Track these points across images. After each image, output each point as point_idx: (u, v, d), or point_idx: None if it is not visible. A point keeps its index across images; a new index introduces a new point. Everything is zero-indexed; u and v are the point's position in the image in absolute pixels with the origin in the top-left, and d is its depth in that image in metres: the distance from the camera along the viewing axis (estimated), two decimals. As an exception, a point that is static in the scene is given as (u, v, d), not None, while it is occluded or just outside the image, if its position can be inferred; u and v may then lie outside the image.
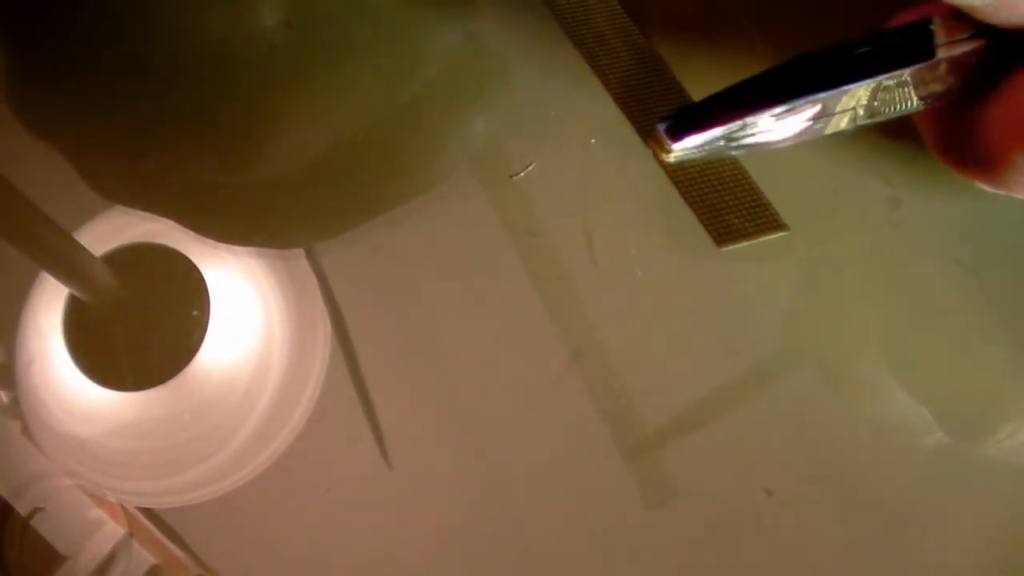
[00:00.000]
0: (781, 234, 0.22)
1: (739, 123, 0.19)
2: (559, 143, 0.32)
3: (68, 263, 0.32)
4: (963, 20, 0.19)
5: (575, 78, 0.33)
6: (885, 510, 0.29)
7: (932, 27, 0.19)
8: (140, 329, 0.30)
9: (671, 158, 0.19)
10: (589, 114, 0.32)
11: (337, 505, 0.28)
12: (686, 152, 0.19)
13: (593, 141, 0.32)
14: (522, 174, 0.31)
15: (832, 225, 0.31)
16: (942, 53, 0.19)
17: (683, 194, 0.20)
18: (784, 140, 0.20)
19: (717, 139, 0.19)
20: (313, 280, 0.31)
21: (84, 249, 0.31)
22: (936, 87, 0.20)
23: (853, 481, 0.29)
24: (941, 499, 0.29)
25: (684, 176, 0.20)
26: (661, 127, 0.19)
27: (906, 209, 0.31)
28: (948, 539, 0.29)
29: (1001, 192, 0.21)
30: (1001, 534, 0.29)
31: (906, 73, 0.19)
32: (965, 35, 0.19)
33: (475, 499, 0.29)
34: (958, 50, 0.19)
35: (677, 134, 0.19)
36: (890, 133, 0.31)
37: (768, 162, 0.32)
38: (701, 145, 0.19)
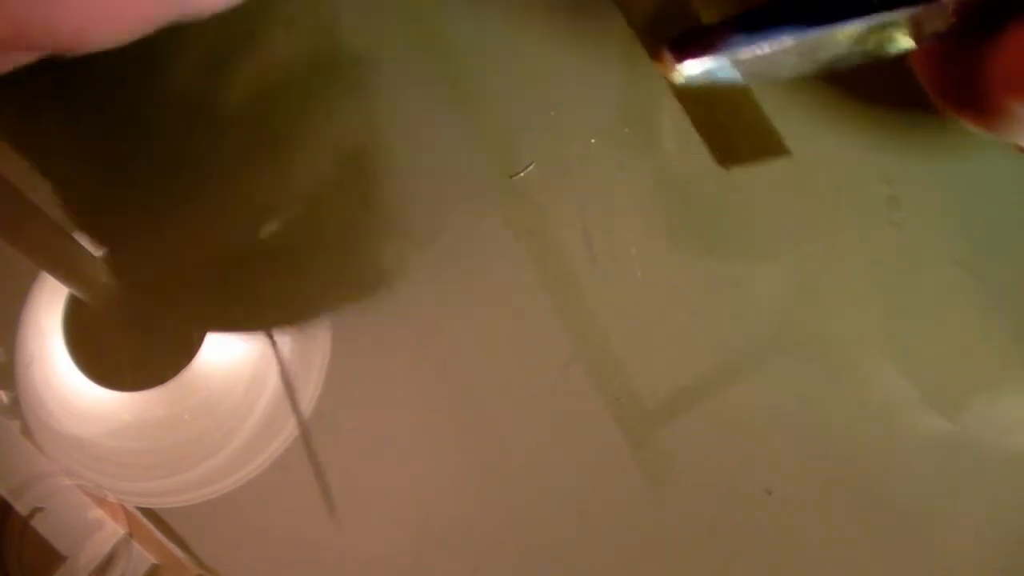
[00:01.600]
0: (784, 157, 0.22)
1: (744, 48, 0.19)
2: (559, 143, 0.32)
3: (68, 263, 0.31)
4: None
5: (576, 78, 0.32)
6: (886, 510, 0.29)
7: None
8: (140, 329, 0.30)
9: (678, 78, 0.20)
10: (589, 114, 0.32)
11: (337, 505, 0.28)
12: (691, 75, 0.20)
13: (593, 141, 0.32)
14: (522, 174, 0.31)
15: (832, 224, 0.31)
16: None
17: (689, 114, 0.20)
18: (788, 67, 0.20)
19: (722, 63, 0.19)
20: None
21: (84, 249, 0.31)
22: (939, 26, 0.20)
23: (854, 481, 0.29)
24: (943, 499, 0.29)
25: (691, 96, 0.20)
26: (666, 47, 0.19)
27: (906, 209, 0.31)
28: (950, 538, 0.29)
29: (992, 137, 0.21)
30: (1004, 534, 0.29)
31: (914, 11, 0.19)
32: None
33: (476, 498, 0.29)
34: None
35: (682, 54, 0.19)
36: (891, 133, 0.31)
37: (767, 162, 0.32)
38: (705, 69, 0.19)
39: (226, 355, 0.30)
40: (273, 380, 0.29)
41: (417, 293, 0.31)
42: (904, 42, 0.20)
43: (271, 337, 0.30)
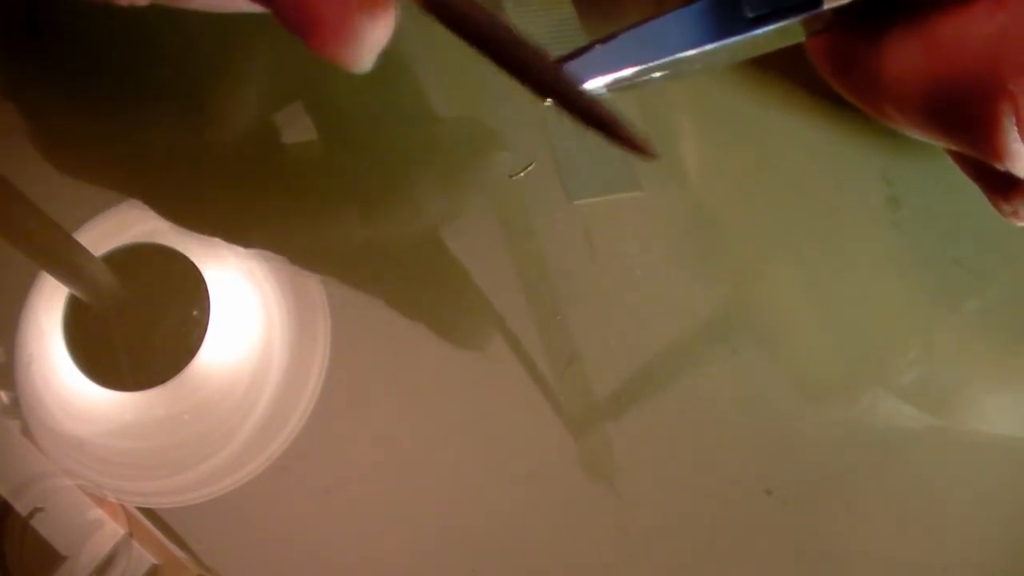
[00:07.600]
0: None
1: (621, 75, 0.19)
2: (559, 143, 0.32)
3: (68, 263, 0.31)
4: None
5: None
6: (887, 510, 0.29)
7: None
8: (140, 329, 0.30)
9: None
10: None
11: (337, 505, 0.28)
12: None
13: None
14: (522, 174, 0.31)
15: (832, 225, 0.32)
16: (828, 4, 0.19)
17: None
18: (654, 81, 0.20)
19: (604, 85, 0.19)
20: (314, 279, 0.31)
21: (84, 249, 0.31)
22: (819, 26, 0.20)
23: (854, 480, 0.29)
24: (944, 499, 0.29)
25: None
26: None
27: (906, 209, 0.31)
28: (951, 539, 0.29)
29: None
30: (1005, 534, 0.29)
31: (792, 22, 0.19)
32: None
33: (476, 499, 0.29)
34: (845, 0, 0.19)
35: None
36: (891, 133, 0.31)
37: (765, 161, 0.32)
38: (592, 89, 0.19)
39: (226, 355, 0.30)
40: (273, 380, 0.29)
41: (416, 293, 0.31)
42: (793, 36, 0.20)
43: (272, 337, 0.30)
